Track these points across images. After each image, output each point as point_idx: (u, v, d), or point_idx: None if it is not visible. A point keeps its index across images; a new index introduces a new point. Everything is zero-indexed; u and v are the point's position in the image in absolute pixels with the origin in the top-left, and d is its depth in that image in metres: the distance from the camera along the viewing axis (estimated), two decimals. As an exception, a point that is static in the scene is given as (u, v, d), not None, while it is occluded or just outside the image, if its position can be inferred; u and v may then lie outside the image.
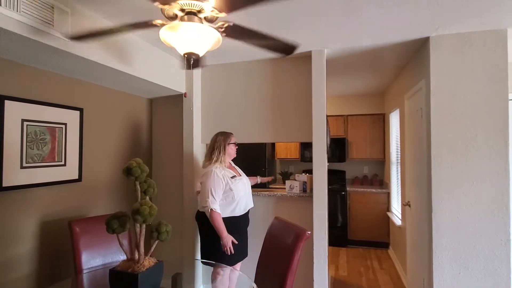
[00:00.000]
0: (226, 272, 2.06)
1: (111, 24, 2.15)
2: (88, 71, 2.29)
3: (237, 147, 2.60)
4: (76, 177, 2.44)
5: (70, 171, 2.39)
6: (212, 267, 2.15)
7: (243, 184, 2.50)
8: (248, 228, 2.59)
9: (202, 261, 2.34)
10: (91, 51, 2.01)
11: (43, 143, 2.18)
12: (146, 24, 1.48)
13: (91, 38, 1.77)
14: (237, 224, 2.43)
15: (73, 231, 2.07)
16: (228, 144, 2.49)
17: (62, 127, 2.33)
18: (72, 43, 1.87)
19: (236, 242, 2.31)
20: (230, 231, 2.31)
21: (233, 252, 2.28)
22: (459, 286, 2.31)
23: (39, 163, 2.15)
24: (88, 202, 2.58)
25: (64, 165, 2.34)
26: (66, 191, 2.38)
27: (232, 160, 2.65)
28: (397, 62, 3.14)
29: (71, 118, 2.40)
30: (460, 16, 2.07)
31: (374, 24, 2.18)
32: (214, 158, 2.41)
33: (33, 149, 2.11)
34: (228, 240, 2.27)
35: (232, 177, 2.42)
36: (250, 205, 2.58)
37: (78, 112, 2.46)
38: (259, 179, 2.95)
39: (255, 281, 1.92)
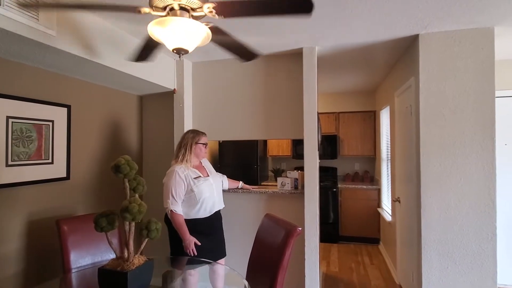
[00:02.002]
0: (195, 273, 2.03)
1: (98, 18, 2.12)
2: (75, 67, 2.25)
3: (206, 147, 2.46)
4: (64, 175, 2.40)
5: (57, 169, 2.34)
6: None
7: (209, 185, 2.34)
8: (239, 225, 2.58)
9: (170, 257, 2.28)
10: (77, 46, 1.97)
11: (29, 141, 2.13)
12: (134, 9, 1.42)
13: (61, 8, 1.72)
14: (203, 226, 2.31)
15: (61, 230, 2.03)
16: (196, 143, 2.35)
17: (49, 124, 2.28)
18: (59, 38, 1.83)
19: (199, 244, 2.21)
20: (196, 233, 2.23)
21: (195, 254, 2.18)
22: (447, 280, 2.35)
23: (26, 161, 2.11)
24: (77, 201, 2.54)
25: (52, 163, 2.30)
26: (54, 190, 2.34)
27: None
28: (387, 59, 3.17)
29: (58, 115, 2.35)
30: (449, 14, 2.09)
31: (364, 21, 2.19)
32: (180, 157, 2.30)
33: (19, 146, 2.06)
34: (190, 242, 2.18)
35: (195, 178, 2.29)
36: (219, 206, 2.44)
37: (65, 109, 2.41)
38: (240, 184, 2.86)
39: (246, 278, 1.92)
